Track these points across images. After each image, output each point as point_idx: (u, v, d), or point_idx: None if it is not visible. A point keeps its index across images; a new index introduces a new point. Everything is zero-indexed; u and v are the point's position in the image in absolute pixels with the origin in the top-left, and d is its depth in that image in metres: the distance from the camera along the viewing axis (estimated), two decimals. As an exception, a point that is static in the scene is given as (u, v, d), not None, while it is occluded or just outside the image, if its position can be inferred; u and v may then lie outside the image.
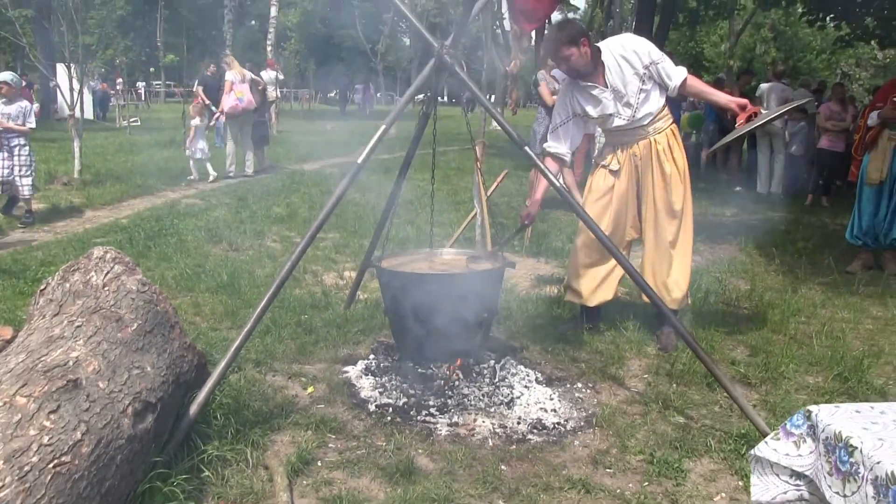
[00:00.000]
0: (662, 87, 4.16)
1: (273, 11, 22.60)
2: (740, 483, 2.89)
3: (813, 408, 1.84)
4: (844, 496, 1.69)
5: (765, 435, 3.03)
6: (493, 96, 7.24)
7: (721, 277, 5.84)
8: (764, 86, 11.43)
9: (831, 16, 15.26)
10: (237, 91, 11.08)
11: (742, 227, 8.17)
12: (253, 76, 11.64)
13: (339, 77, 44.95)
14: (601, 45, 4.13)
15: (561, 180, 4.43)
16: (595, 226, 3.63)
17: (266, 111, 12.35)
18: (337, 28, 49.43)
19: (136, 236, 6.74)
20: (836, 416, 1.78)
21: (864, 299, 5.55)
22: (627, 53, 4.08)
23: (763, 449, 1.95)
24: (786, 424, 1.92)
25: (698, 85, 4.21)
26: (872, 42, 16.27)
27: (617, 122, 4.16)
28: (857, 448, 1.65)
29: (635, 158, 4.25)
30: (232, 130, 11.40)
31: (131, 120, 21.99)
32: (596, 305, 4.50)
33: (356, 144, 17.83)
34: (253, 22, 56.36)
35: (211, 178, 11.00)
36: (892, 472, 1.52)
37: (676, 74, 4.12)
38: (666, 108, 4.25)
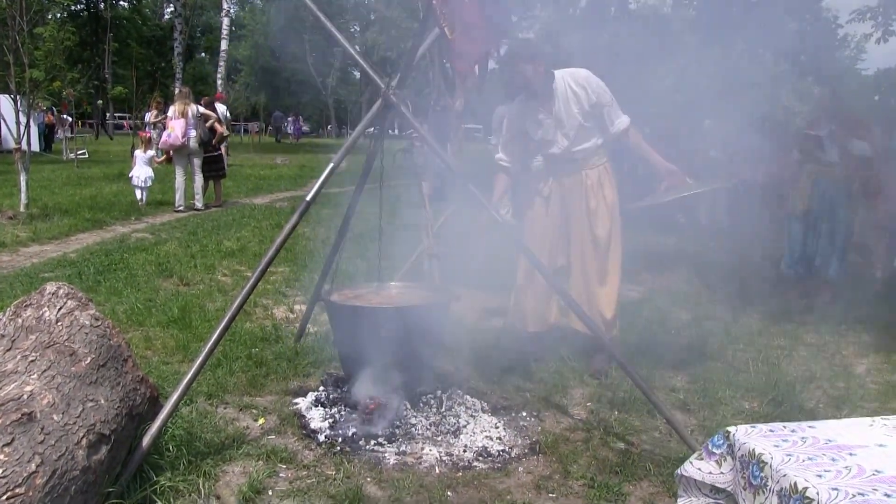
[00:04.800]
0: (603, 129, 4.30)
1: (224, 44, 22.67)
2: (676, 504, 3.04)
3: (731, 428, 1.99)
4: None
5: (699, 458, 3.21)
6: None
7: (663, 307, 6.06)
8: (709, 121, 11.86)
9: (768, 52, 15.90)
10: (170, 126, 11.15)
11: (683, 256, 8.45)
12: (204, 110, 11.67)
13: (273, 110, 45.86)
14: (557, 72, 4.26)
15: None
16: (533, 256, 3.80)
17: (220, 145, 12.35)
18: (287, 61, 49.52)
19: (86, 271, 6.70)
20: (751, 436, 1.93)
21: (798, 327, 5.79)
22: (578, 88, 4.21)
23: (688, 468, 2.09)
24: (708, 444, 2.06)
25: (637, 139, 4.36)
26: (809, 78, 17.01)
27: (552, 150, 4.33)
28: (767, 463, 1.79)
29: (564, 188, 4.41)
30: (180, 164, 11.39)
31: (79, 152, 21.70)
32: (538, 331, 4.65)
33: (306, 178, 17.92)
34: (203, 54, 56.15)
35: (179, 208, 11.20)
36: (795, 484, 1.67)
37: (619, 122, 4.26)
38: (602, 148, 4.40)
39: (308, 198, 3.53)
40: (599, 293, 4.46)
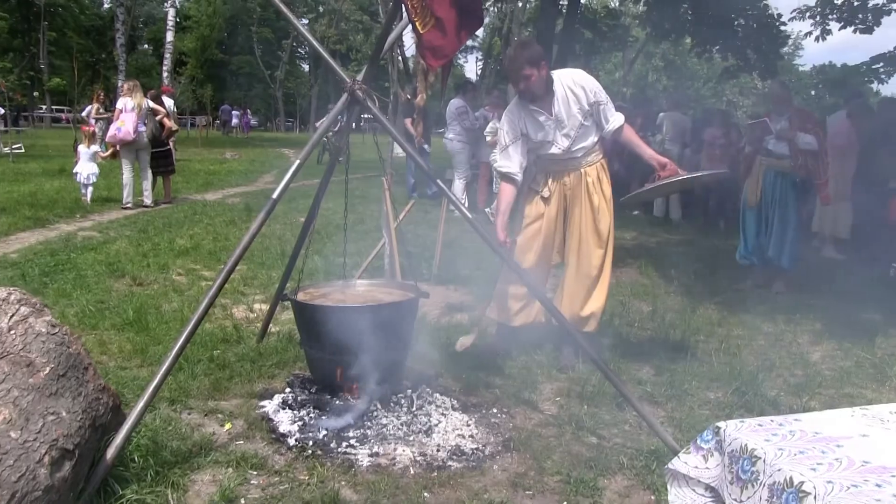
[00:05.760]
0: (599, 126, 4.40)
1: (169, 36, 22.16)
2: (653, 497, 3.05)
3: (721, 424, 2.00)
4: (740, 501, 1.85)
5: (673, 450, 3.21)
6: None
7: (624, 300, 6.10)
8: (662, 115, 12.05)
9: (717, 48, 16.21)
10: (120, 120, 10.81)
11: (642, 250, 8.55)
12: (153, 104, 11.37)
13: (220, 103, 45.47)
14: (554, 74, 4.32)
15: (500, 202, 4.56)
16: (510, 258, 3.79)
17: (169, 140, 12.05)
18: (235, 54, 48.90)
19: (30, 272, 6.43)
20: (741, 431, 1.94)
21: (755, 317, 5.90)
22: (577, 88, 4.29)
23: (676, 463, 2.10)
24: (696, 440, 2.07)
25: (631, 135, 4.45)
26: (754, 73, 17.38)
27: (553, 150, 4.35)
28: (760, 458, 1.80)
29: (565, 188, 4.46)
30: (128, 159, 11.07)
31: (14, 147, 20.94)
32: (517, 326, 4.65)
33: (257, 173, 17.66)
34: (146, 46, 54.91)
35: (127, 205, 10.88)
36: (790, 478, 1.68)
37: (615, 119, 4.38)
38: (598, 145, 4.48)
39: (274, 196, 3.44)
40: (596, 289, 4.53)
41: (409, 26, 3.20)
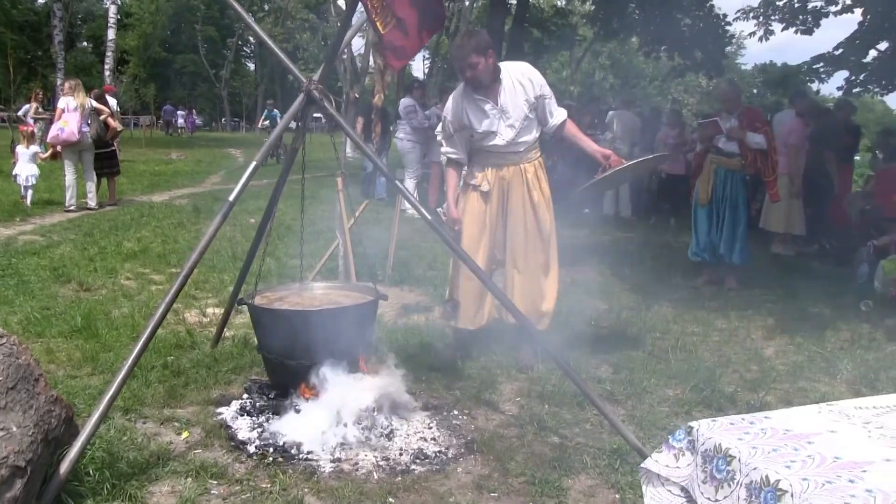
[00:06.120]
0: (542, 121, 4.42)
1: (111, 34, 21.63)
2: (617, 496, 3.06)
3: (694, 423, 2.00)
4: (715, 500, 1.86)
5: (636, 448, 3.25)
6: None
7: (580, 298, 6.13)
8: (611, 113, 12.18)
9: (664, 47, 16.48)
10: (63, 120, 10.49)
11: (595, 248, 8.61)
12: (96, 104, 11.06)
13: (164, 103, 44.61)
14: (502, 65, 4.33)
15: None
16: (463, 253, 3.77)
17: (113, 140, 11.75)
18: (178, 52, 48.00)
19: (-34, 279, 6.21)
20: (714, 430, 1.95)
21: (709, 313, 5.99)
22: (524, 80, 4.31)
23: (648, 462, 2.10)
24: (669, 439, 2.07)
25: (574, 130, 4.50)
26: (701, 72, 17.74)
27: (495, 141, 4.34)
28: (735, 457, 1.81)
29: (503, 182, 4.44)
30: (70, 160, 10.74)
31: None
32: (476, 327, 4.62)
33: (204, 174, 17.35)
34: (85, 43, 53.52)
35: (71, 207, 10.56)
36: (766, 477, 1.69)
37: (558, 114, 4.43)
38: (538, 143, 4.50)
39: (231, 198, 3.36)
40: (545, 287, 4.54)
41: (365, 25, 3.16)
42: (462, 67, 4.27)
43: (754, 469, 1.74)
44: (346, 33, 3.82)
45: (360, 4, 3.30)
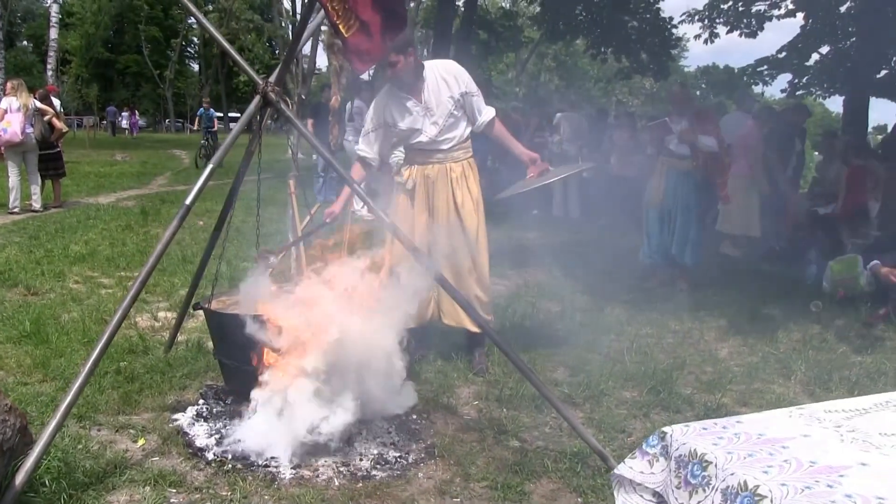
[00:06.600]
0: (471, 119, 4.42)
1: (53, 33, 21.06)
2: (580, 500, 3.08)
3: (667, 429, 2.00)
4: None
5: (596, 451, 3.25)
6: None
7: (533, 301, 6.17)
8: (559, 115, 12.28)
9: (611, 49, 16.71)
10: (5, 121, 10.19)
11: (546, 250, 8.62)
12: (40, 105, 10.77)
13: (107, 103, 43.78)
14: (426, 63, 4.33)
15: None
16: (422, 255, 3.76)
17: (58, 141, 11.45)
18: (122, 53, 46.98)
19: None
20: (688, 435, 1.95)
21: (663, 315, 6.02)
22: (448, 77, 4.31)
23: (622, 468, 2.10)
24: (643, 445, 2.08)
25: (502, 130, 4.52)
26: (647, 74, 18.01)
27: (420, 138, 4.33)
28: (711, 462, 1.81)
29: (428, 180, 4.43)
30: (14, 162, 10.44)
31: None
32: (415, 327, 4.59)
33: (150, 175, 16.99)
34: (25, 42, 52.12)
35: (15, 210, 10.29)
36: (745, 482, 1.69)
37: (486, 112, 4.42)
38: (469, 141, 4.47)
39: (187, 201, 3.31)
40: (473, 286, 4.45)
41: (323, 27, 3.13)
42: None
43: (731, 474, 1.74)
44: (302, 34, 3.77)
45: (318, 7, 3.28)
